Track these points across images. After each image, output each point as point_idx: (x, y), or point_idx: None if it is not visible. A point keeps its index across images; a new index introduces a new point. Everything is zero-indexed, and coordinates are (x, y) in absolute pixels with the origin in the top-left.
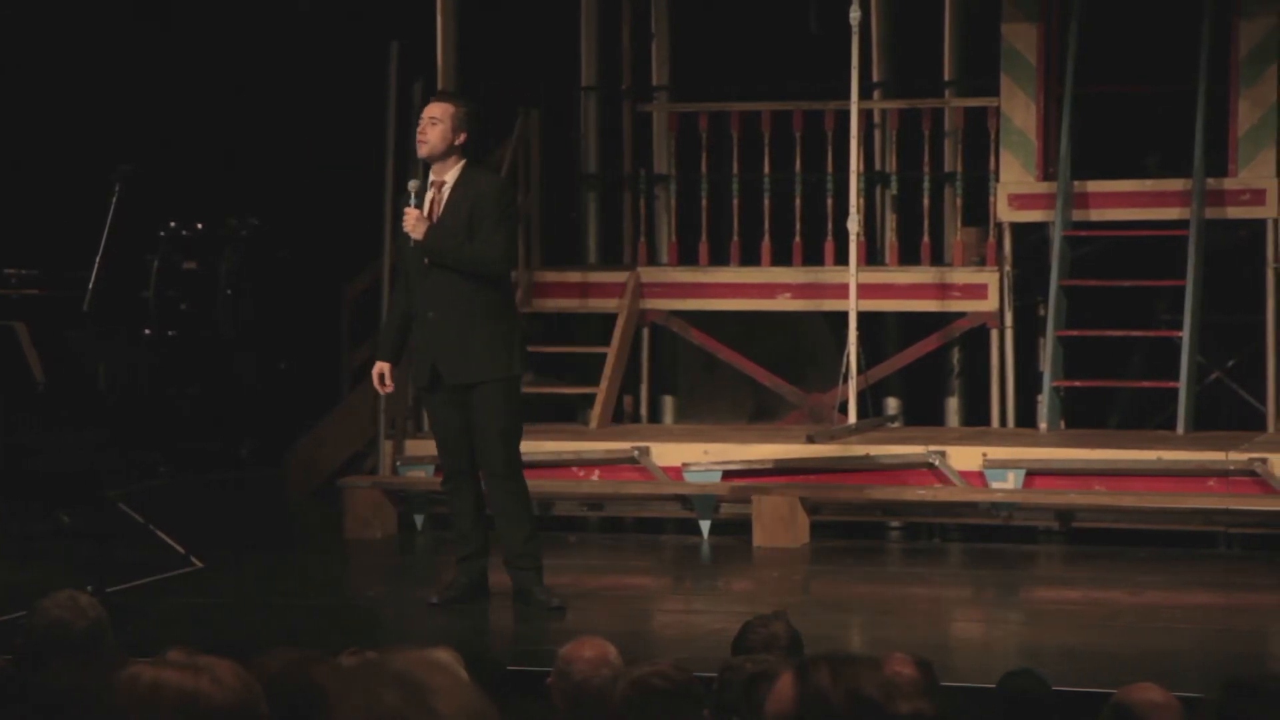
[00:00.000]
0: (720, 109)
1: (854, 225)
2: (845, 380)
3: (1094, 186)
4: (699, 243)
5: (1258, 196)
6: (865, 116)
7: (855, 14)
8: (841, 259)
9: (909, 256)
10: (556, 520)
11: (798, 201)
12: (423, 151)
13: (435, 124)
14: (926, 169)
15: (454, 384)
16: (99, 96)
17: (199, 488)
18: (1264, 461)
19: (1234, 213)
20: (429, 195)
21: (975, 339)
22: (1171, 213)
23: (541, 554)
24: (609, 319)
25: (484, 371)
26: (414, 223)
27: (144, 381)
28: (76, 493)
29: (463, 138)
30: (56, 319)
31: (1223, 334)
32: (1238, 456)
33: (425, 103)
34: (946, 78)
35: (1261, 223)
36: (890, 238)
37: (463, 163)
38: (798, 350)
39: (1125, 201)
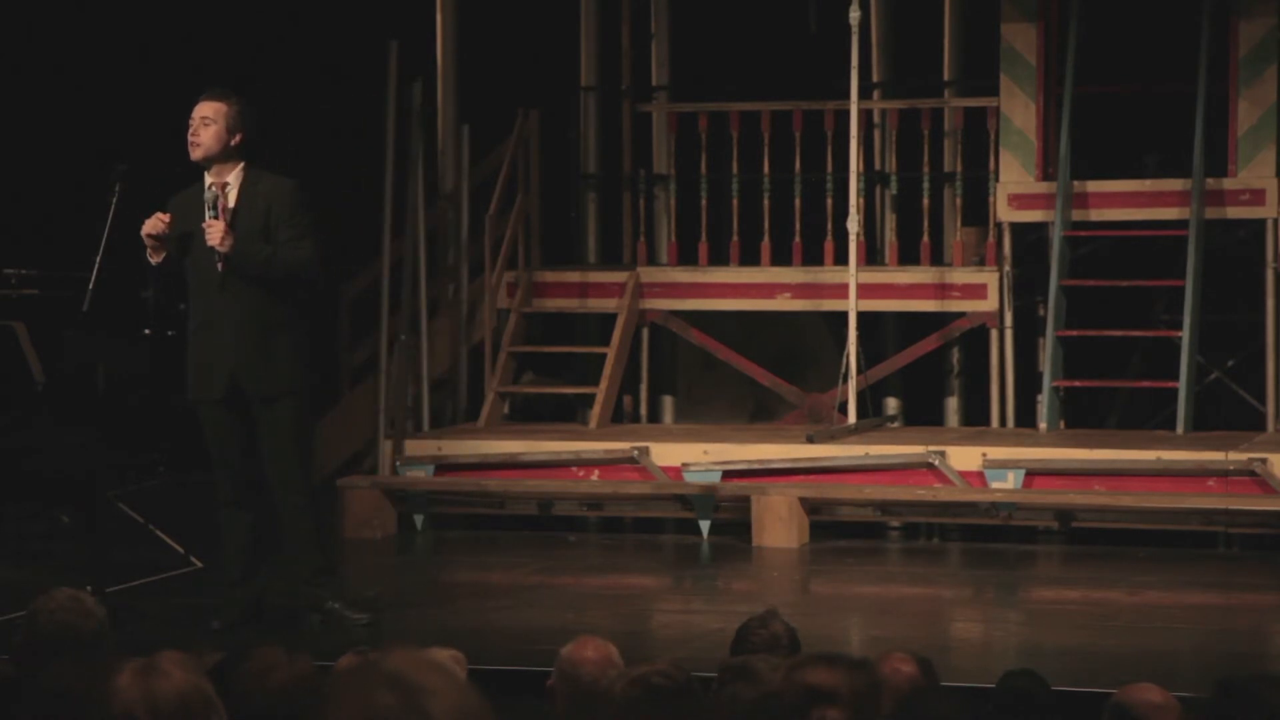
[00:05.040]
0: (720, 109)
1: (854, 225)
2: (845, 380)
3: (1093, 186)
4: (698, 243)
5: (1257, 196)
6: (865, 116)
7: (855, 14)
8: (841, 259)
9: (909, 256)
10: (556, 520)
11: (797, 201)
12: (196, 155)
13: (208, 125)
14: (926, 169)
15: (255, 396)
16: (98, 96)
17: (198, 488)
18: (1263, 461)
19: (1234, 213)
20: (220, 203)
21: (975, 339)
22: (1171, 213)
23: (332, 578)
24: (608, 319)
25: (286, 383)
26: (221, 236)
27: (143, 381)
28: (76, 493)
29: (239, 138)
30: (56, 319)
31: (1222, 334)
32: (1237, 456)
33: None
34: (946, 78)
35: (1261, 223)
36: (890, 238)
37: (242, 164)
38: (798, 350)
39: (1125, 201)
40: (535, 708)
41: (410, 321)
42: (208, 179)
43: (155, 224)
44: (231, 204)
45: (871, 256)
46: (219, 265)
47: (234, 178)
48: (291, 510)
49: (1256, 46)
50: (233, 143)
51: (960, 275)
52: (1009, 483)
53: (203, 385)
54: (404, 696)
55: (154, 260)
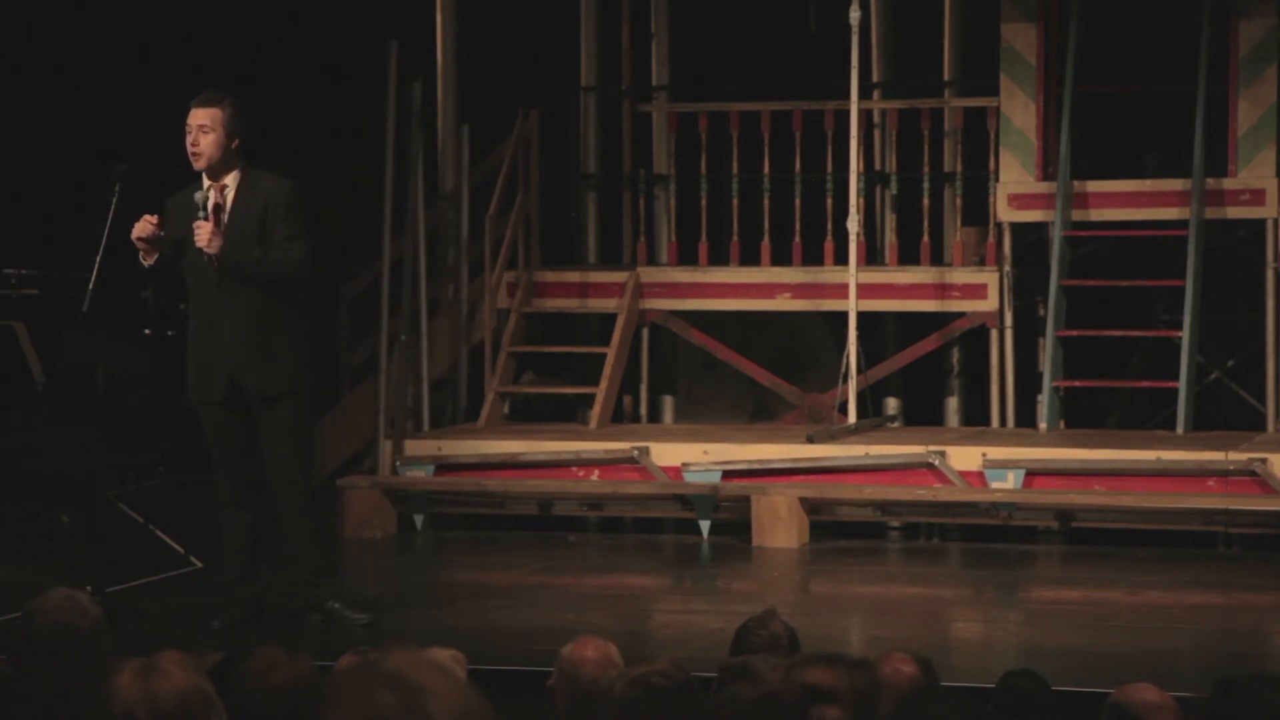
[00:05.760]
0: (720, 109)
1: (854, 225)
2: (845, 380)
3: (1093, 186)
4: (698, 243)
5: (1257, 196)
6: (865, 116)
7: (855, 14)
8: (841, 259)
9: (909, 256)
10: (556, 520)
11: (797, 201)
12: (199, 164)
13: (207, 133)
14: (926, 169)
15: (255, 397)
16: (98, 96)
17: (198, 488)
18: (1263, 461)
19: (1234, 213)
20: (210, 204)
21: (975, 339)
22: (1171, 213)
23: (333, 578)
24: (608, 319)
25: (286, 383)
26: (209, 237)
27: (143, 381)
28: (76, 493)
29: (237, 142)
30: (56, 319)
31: (1222, 334)
32: (1237, 456)
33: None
34: (946, 78)
35: (1261, 223)
36: (890, 238)
37: (242, 166)
38: (798, 350)
39: (1125, 201)
40: (535, 708)
41: (410, 321)
42: (206, 181)
43: (144, 227)
44: (229, 205)
45: (871, 256)
46: (215, 264)
47: (233, 180)
48: (291, 510)
49: (1256, 46)
50: (233, 146)
51: (960, 275)
52: (1009, 483)
53: (203, 386)
54: (404, 696)
55: (146, 262)
